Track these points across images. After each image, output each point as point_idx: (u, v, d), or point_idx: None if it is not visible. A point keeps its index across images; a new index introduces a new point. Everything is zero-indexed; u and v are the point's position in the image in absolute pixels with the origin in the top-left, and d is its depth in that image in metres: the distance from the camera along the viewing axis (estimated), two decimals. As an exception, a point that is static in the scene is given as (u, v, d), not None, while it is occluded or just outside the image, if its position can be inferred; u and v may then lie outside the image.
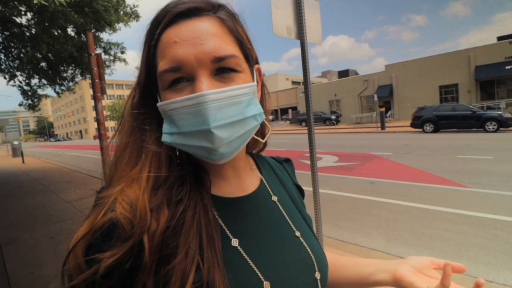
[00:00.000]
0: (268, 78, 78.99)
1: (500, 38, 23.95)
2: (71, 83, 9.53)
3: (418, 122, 16.86)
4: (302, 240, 0.54)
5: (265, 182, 0.59)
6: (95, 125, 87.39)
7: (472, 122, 14.90)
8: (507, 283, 2.57)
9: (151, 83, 0.48)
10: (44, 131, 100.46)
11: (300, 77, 54.88)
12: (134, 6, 5.60)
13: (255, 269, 0.45)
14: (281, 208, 0.56)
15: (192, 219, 0.42)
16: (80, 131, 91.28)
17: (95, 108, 6.52)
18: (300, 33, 2.09)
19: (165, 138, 0.46)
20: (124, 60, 8.68)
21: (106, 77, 7.99)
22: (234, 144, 0.45)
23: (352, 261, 0.65)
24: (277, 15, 1.92)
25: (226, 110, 0.43)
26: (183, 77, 0.43)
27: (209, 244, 0.42)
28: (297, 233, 0.54)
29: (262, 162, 0.64)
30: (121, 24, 5.65)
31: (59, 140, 78.57)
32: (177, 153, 0.49)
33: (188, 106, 0.42)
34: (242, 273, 0.44)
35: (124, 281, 0.38)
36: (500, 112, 14.77)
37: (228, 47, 0.44)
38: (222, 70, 0.44)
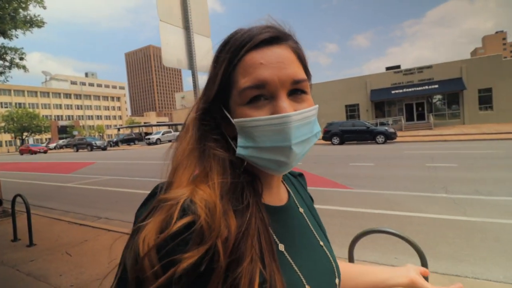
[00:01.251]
0: (200, 91, 78.31)
1: (387, 68, 29.25)
2: None
3: (328, 135, 19.26)
4: (325, 249, 0.59)
5: (292, 194, 0.64)
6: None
7: (367, 136, 17.79)
8: (363, 259, 3.39)
9: (221, 97, 0.52)
10: None
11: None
12: (35, 15, 5.25)
13: (299, 273, 0.50)
14: (306, 220, 0.61)
15: (255, 226, 0.44)
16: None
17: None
18: (191, 64, 2.54)
19: (240, 151, 0.49)
20: (24, 67, 7.82)
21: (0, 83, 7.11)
22: (300, 158, 0.50)
23: (366, 269, 0.74)
24: (167, 50, 2.33)
25: (302, 129, 0.48)
26: (263, 95, 0.47)
27: (268, 249, 0.44)
28: (321, 243, 0.60)
29: (284, 176, 0.68)
30: (19, 31, 5.21)
31: None
32: (245, 163, 0.51)
33: (273, 124, 0.46)
34: (289, 276, 0.47)
35: (196, 283, 0.39)
36: (386, 128, 18.00)
37: (301, 72, 0.50)
38: (295, 91, 0.49)
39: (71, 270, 3.35)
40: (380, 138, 17.19)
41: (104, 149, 32.87)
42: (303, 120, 0.48)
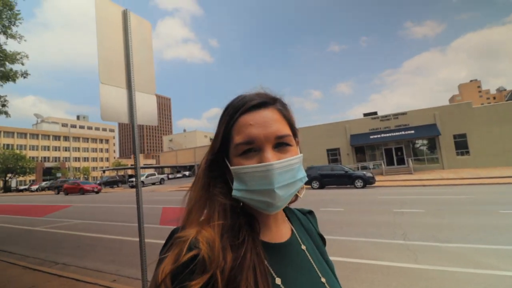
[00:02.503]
0: (188, 135, 79.16)
1: (365, 115, 30.72)
2: None
3: (307, 179, 19.44)
4: (327, 285, 0.63)
5: (295, 232, 0.70)
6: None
7: (345, 180, 18.00)
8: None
9: (223, 150, 0.63)
10: None
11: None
12: (11, 70, 5.69)
13: None
14: (309, 256, 0.66)
15: (250, 260, 0.52)
16: None
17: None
18: (131, 118, 2.84)
19: (235, 193, 0.59)
20: (6, 113, 8.16)
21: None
22: (286, 200, 0.59)
23: None
24: (107, 107, 2.63)
25: (285, 175, 0.57)
26: (253, 148, 0.58)
27: (262, 281, 0.51)
28: (323, 279, 0.63)
29: (292, 215, 0.77)
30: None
31: None
32: (241, 204, 0.62)
33: (259, 171, 0.56)
34: None
35: None
36: (364, 172, 18.34)
37: (285, 129, 0.61)
38: (280, 144, 0.59)
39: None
40: (358, 183, 17.43)
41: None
42: (286, 167, 0.58)
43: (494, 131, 24.55)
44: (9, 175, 58.94)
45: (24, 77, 6.94)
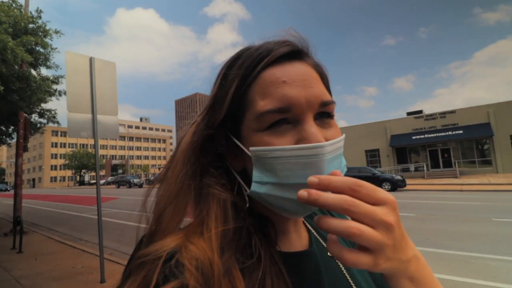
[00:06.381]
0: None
1: (408, 113, 29.06)
2: (8, 139, 10.90)
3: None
4: None
5: (315, 233, 0.52)
6: (51, 173, 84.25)
7: (373, 183, 16.96)
8: None
9: (229, 121, 0.43)
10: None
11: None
12: (55, 91, 7.69)
13: None
14: (339, 264, 0.49)
15: (271, 286, 0.36)
16: (33, 180, 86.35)
17: (16, 163, 8.02)
18: (94, 136, 4.06)
19: (255, 188, 0.40)
20: (58, 122, 10.39)
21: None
22: None
23: None
24: (73, 128, 3.86)
25: (334, 162, 0.39)
26: (285, 119, 0.39)
27: None
28: None
29: None
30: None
31: (7, 190, 73.37)
32: (247, 204, 0.42)
33: (302, 156, 0.37)
34: None
35: None
36: (392, 175, 17.82)
37: (328, 93, 0.43)
38: (321, 115, 0.41)
39: (27, 268, 4.92)
40: (386, 186, 17.01)
41: (140, 186, 35.99)
42: (335, 151, 0.40)
43: None
44: (83, 170, 69.18)
45: (62, 95, 9.00)
